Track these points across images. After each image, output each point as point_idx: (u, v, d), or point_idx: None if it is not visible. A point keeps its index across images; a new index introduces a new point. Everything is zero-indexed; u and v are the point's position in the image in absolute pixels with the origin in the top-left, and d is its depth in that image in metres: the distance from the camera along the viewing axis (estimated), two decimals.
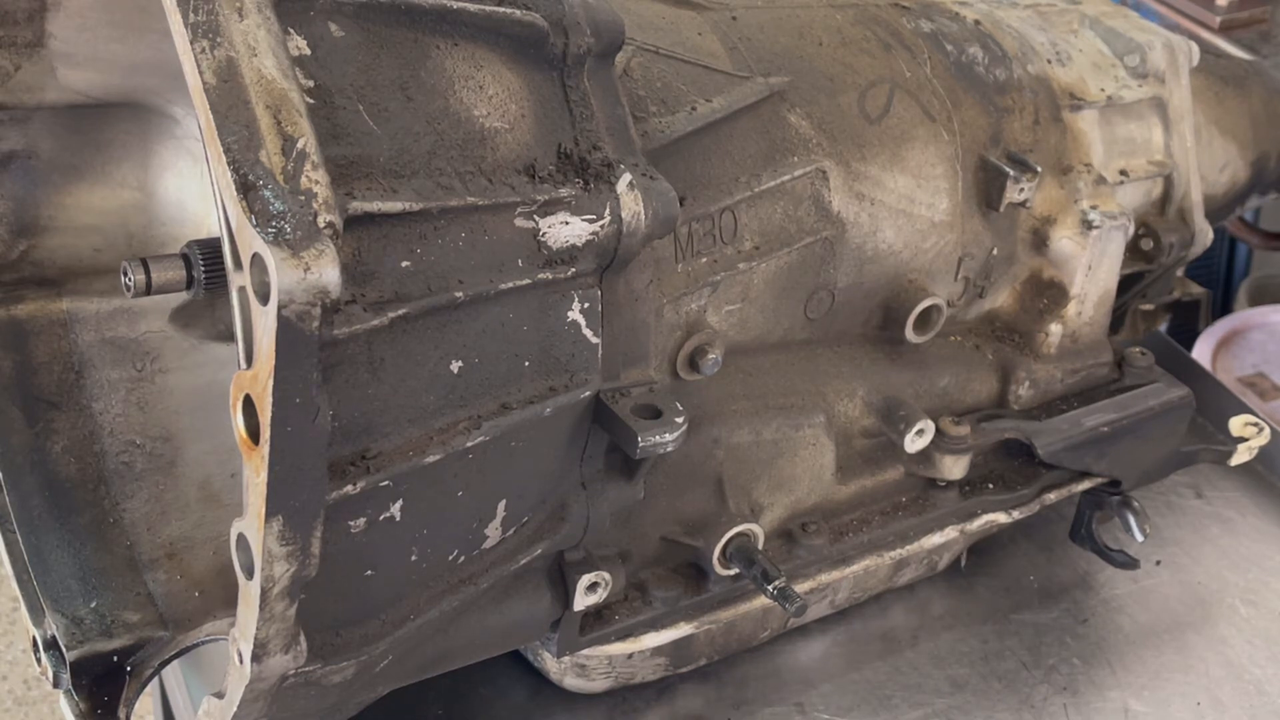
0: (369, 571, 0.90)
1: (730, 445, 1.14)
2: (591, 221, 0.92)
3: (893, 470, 1.26)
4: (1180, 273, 1.53)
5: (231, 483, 1.18)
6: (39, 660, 1.08)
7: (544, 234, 0.91)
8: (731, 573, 1.15)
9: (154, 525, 1.15)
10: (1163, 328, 1.61)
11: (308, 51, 0.83)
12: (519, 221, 0.90)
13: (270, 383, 0.74)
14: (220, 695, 0.92)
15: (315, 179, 0.78)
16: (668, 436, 0.97)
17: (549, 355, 0.94)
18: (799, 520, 1.20)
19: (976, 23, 1.33)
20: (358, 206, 0.82)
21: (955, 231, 1.24)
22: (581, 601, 1.07)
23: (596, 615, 1.13)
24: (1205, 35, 1.99)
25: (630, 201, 0.93)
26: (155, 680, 1.19)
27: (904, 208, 1.20)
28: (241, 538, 0.82)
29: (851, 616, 1.34)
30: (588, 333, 0.96)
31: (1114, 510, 1.36)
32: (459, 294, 0.87)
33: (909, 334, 1.23)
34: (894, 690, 1.28)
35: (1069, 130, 1.32)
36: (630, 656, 1.19)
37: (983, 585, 1.39)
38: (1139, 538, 1.34)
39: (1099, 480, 1.34)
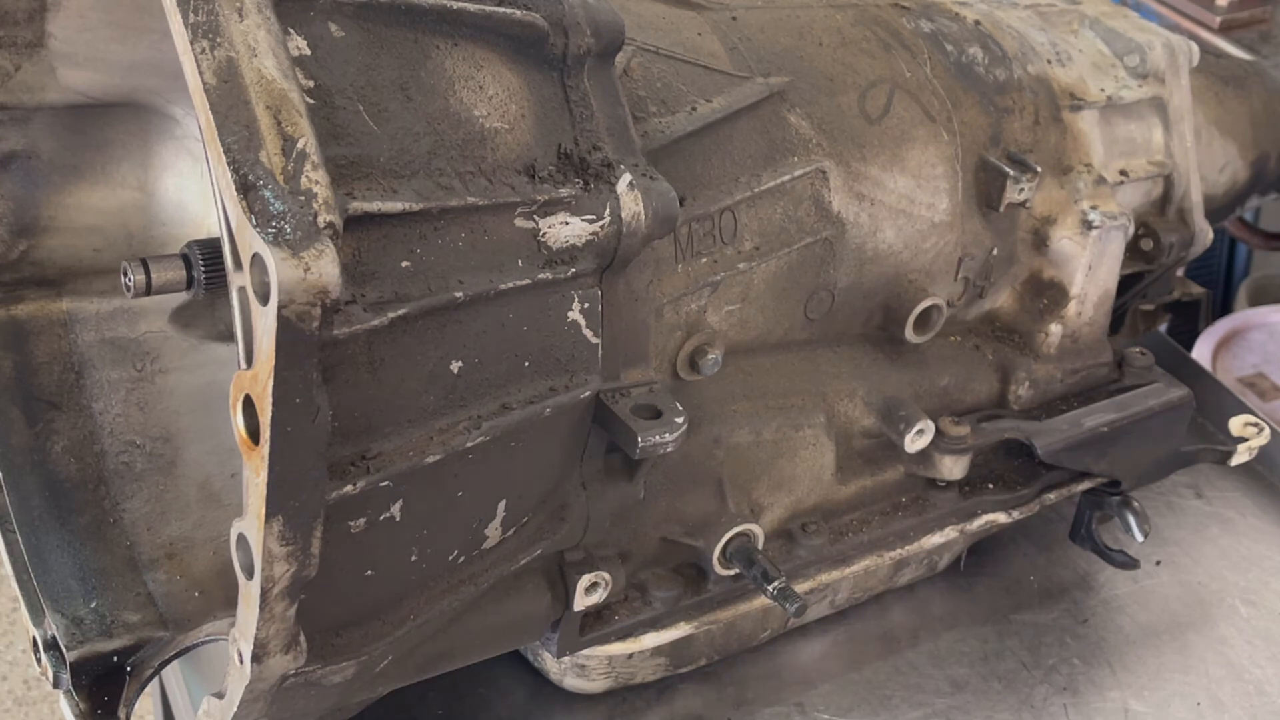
0: (369, 572, 0.90)
1: (730, 445, 1.14)
2: (591, 222, 0.92)
3: (893, 470, 1.26)
4: (1180, 273, 1.53)
5: (231, 483, 1.18)
6: (39, 660, 1.08)
7: (544, 234, 0.91)
8: (731, 573, 1.15)
9: (154, 525, 1.15)
10: (1163, 328, 1.61)
11: (308, 52, 0.83)
12: (519, 222, 0.90)
13: (270, 383, 0.74)
14: (220, 695, 0.92)
15: (315, 179, 0.78)
16: (668, 436, 0.97)
17: (549, 355, 0.94)
18: (799, 520, 1.20)
19: (976, 23, 1.33)
20: (358, 206, 0.82)
21: (955, 232, 1.24)
22: (581, 601, 1.07)
23: (596, 615, 1.13)
24: (1205, 35, 1.99)
25: (630, 202, 0.93)
26: (155, 680, 1.19)
27: (904, 208, 1.20)
28: (241, 538, 0.82)
29: (851, 616, 1.34)
30: (588, 333, 0.96)
31: (1114, 510, 1.36)
32: (459, 294, 0.87)
33: (909, 334, 1.23)
34: (894, 690, 1.28)
35: (1069, 130, 1.32)
36: (630, 656, 1.19)
37: (983, 585, 1.39)
38: (1139, 538, 1.34)
39: (1099, 480, 1.34)
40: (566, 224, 0.92)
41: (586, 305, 0.95)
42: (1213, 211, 1.50)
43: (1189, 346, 1.90)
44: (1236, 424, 1.40)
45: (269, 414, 0.75)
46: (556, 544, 1.04)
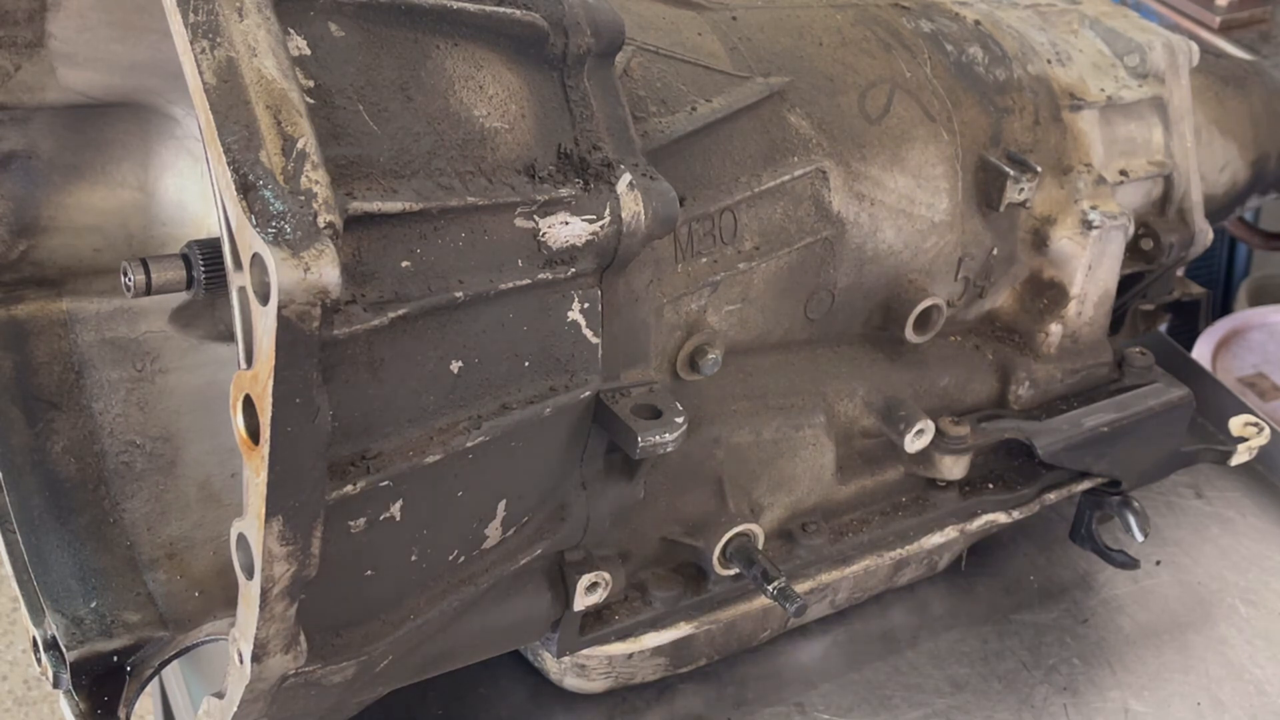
0: (369, 571, 0.90)
1: (730, 445, 1.14)
2: (591, 222, 0.92)
3: (893, 470, 1.26)
4: (1180, 273, 1.53)
5: (231, 483, 1.18)
6: (39, 660, 1.08)
7: (544, 234, 0.91)
8: (731, 573, 1.15)
9: (154, 525, 1.15)
10: (1163, 328, 1.61)
11: (308, 51, 0.83)
12: (519, 221, 0.90)
13: (270, 383, 0.74)
14: (220, 695, 0.92)
15: (315, 179, 0.78)
16: (668, 436, 0.97)
17: (549, 355, 0.94)
18: (799, 520, 1.20)
19: (976, 23, 1.33)
20: (358, 206, 0.82)
21: (955, 231, 1.24)
22: (581, 601, 1.07)
23: (596, 615, 1.13)
24: (1205, 35, 1.99)
25: (630, 201, 0.93)
26: (155, 680, 1.19)
27: (904, 208, 1.20)
28: (241, 538, 0.82)
29: (851, 616, 1.34)
30: (588, 333, 0.96)
31: (1114, 510, 1.36)
32: (459, 294, 0.87)
33: (909, 334, 1.23)
34: (894, 690, 1.28)
35: (1069, 130, 1.32)
36: (630, 656, 1.19)
37: (983, 585, 1.39)
38: (1139, 538, 1.34)
39: (1099, 480, 1.34)
40: (566, 224, 0.92)
41: (586, 305, 0.95)
42: (1213, 211, 1.50)
43: (1189, 346, 1.90)
44: (1236, 424, 1.40)
45: (269, 414, 0.75)
46: (556, 544, 1.04)
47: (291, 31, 0.83)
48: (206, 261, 1.07)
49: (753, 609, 1.21)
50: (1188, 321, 1.93)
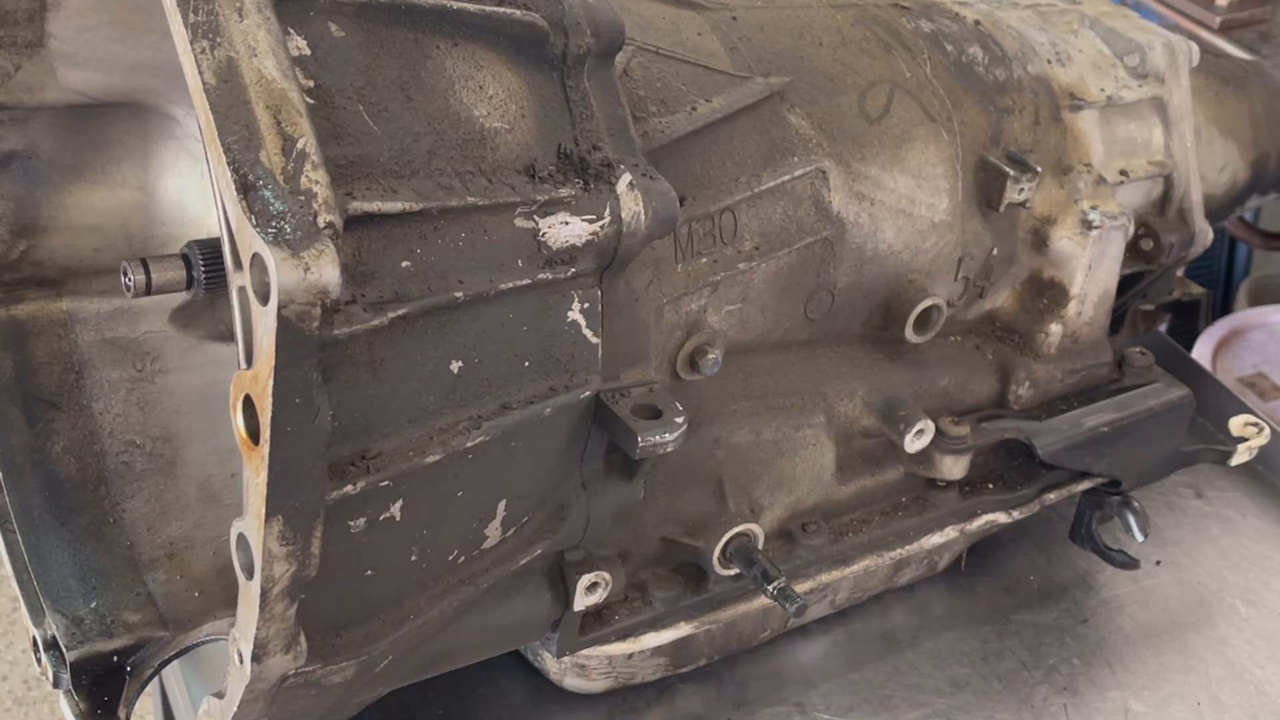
0: (369, 571, 0.90)
1: (730, 445, 1.14)
2: (591, 222, 0.92)
3: (893, 470, 1.26)
4: (1180, 273, 1.53)
5: (231, 483, 1.18)
6: (39, 660, 1.08)
7: (544, 234, 0.91)
8: (731, 573, 1.15)
9: (154, 525, 1.15)
10: (1163, 328, 1.61)
11: (308, 51, 0.83)
12: (519, 222, 0.90)
13: (270, 383, 0.75)
14: (220, 695, 0.92)
15: (315, 179, 0.78)
16: (668, 436, 0.97)
17: (549, 355, 0.94)
18: (799, 520, 1.20)
19: (976, 23, 1.33)
20: (358, 206, 0.82)
21: (955, 231, 1.24)
22: (581, 601, 1.07)
23: (596, 615, 1.13)
24: (1205, 35, 2.00)
25: (630, 202, 0.93)
26: (155, 680, 1.19)
27: (904, 208, 1.20)
28: (241, 538, 0.82)
29: (851, 616, 1.34)
30: (588, 333, 0.96)
31: (1114, 510, 1.36)
32: (459, 294, 0.87)
33: (909, 334, 1.23)
34: (894, 690, 1.28)
35: (1069, 130, 1.32)
36: (630, 656, 1.19)
37: (983, 585, 1.39)
38: (1139, 538, 1.34)
39: (1099, 480, 1.34)
40: (566, 224, 0.92)
41: (586, 305, 0.95)
42: (1213, 211, 1.50)
43: (1189, 346, 1.90)
44: (1236, 424, 1.40)
45: (269, 414, 0.75)
46: (556, 544, 1.04)
47: (291, 31, 0.83)
48: (206, 261, 1.07)
49: (753, 609, 1.21)
50: (1188, 321, 1.93)
